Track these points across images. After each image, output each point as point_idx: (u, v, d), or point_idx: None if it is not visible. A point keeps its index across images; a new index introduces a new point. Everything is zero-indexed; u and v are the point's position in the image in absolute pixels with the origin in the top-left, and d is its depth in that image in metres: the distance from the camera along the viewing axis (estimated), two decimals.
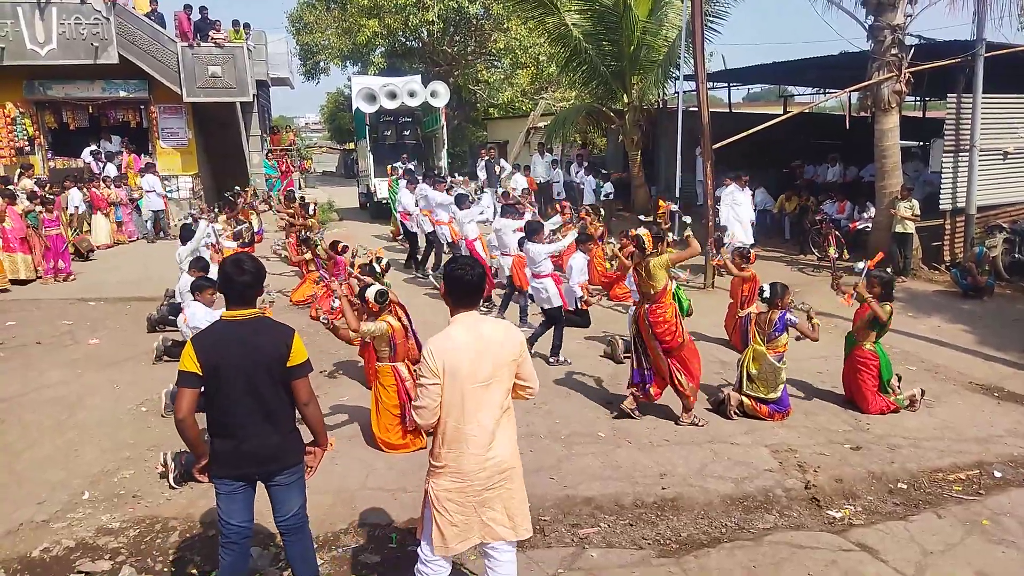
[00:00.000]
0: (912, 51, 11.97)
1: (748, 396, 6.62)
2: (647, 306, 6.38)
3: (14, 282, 12.01)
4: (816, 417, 6.72)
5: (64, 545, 4.71)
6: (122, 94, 18.49)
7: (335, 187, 30.88)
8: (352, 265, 8.89)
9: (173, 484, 5.37)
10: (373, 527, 4.88)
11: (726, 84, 20.39)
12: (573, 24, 16.99)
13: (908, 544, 4.68)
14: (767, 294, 6.84)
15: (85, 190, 15.53)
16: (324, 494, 5.11)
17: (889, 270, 7.85)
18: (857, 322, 6.92)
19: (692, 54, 12.60)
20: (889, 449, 6.04)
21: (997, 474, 5.65)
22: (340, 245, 10.68)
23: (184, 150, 19.32)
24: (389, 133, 20.83)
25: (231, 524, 3.65)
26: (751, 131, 11.84)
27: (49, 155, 18.55)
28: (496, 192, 16.40)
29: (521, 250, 8.99)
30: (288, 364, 3.57)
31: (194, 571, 4.44)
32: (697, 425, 6.44)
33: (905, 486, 5.47)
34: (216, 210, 14.96)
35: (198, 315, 6.55)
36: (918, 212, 11.84)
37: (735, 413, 6.64)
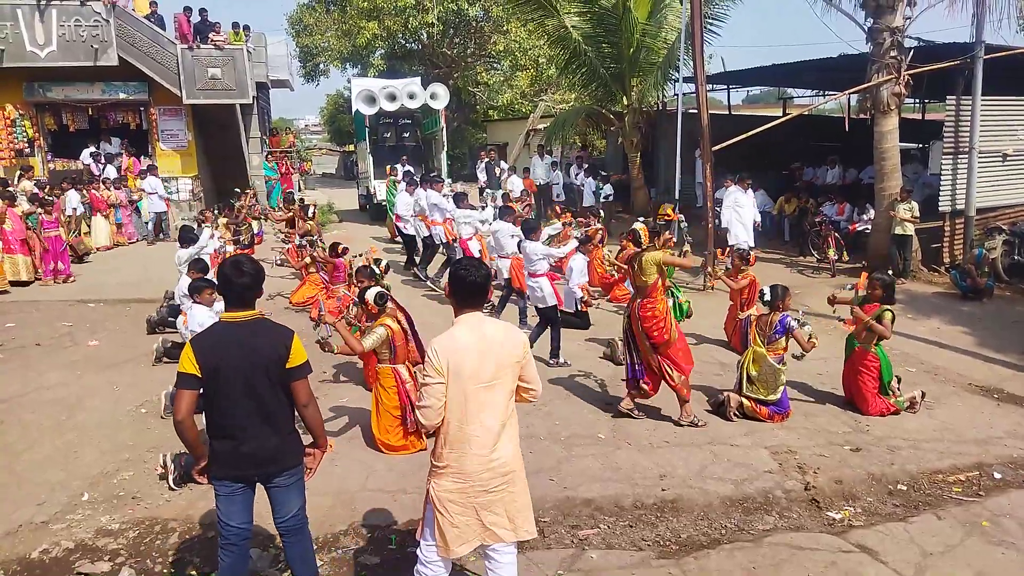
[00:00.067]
0: (911, 53, 11.98)
1: (748, 398, 6.62)
2: (638, 300, 6.43)
3: (14, 283, 12.02)
4: (816, 419, 6.72)
5: (63, 546, 4.71)
6: (122, 96, 18.50)
7: (335, 189, 30.89)
8: (351, 267, 8.90)
9: (172, 485, 5.37)
10: (373, 528, 4.88)
11: (725, 86, 20.41)
12: (572, 26, 17.00)
13: (908, 545, 4.68)
14: (768, 297, 6.85)
15: (84, 192, 15.54)
16: (324, 495, 5.11)
17: (890, 272, 7.88)
18: (858, 324, 6.92)
19: (691, 56, 12.61)
20: (889, 451, 6.04)
21: (997, 475, 5.65)
22: (340, 247, 10.70)
23: (184, 152, 19.33)
24: (389, 135, 20.84)
25: (230, 526, 3.65)
26: (750, 133, 11.85)
27: (49, 157, 18.55)
28: (493, 195, 16.45)
29: (519, 250, 8.99)
30: (287, 365, 3.57)
31: (193, 572, 4.44)
32: (697, 425, 6.45)
33: (905, 487, 5.48)
34: (216, 211, 14.97)
35: (199, 317, 6.55)
36: (917, 214, 11.85)
37: (735, 415, 6.64)
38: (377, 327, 5.99)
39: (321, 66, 31.61)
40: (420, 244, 12.97)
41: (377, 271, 7.67)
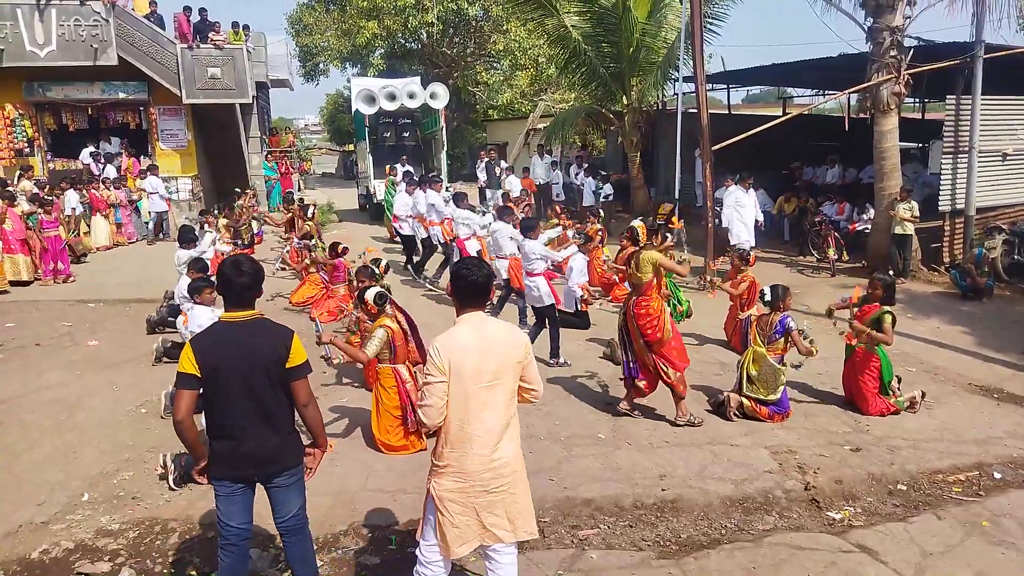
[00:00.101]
0: (911, 53, 11.97)
1: (748, 397, 6.62)
2: (633, 298, 6.46)
3: (15, 283, 12.03)
4: (816, 419, 6.72)
5: (63, 547, 4.71)
6: (121, 96, 18.48)
7: (335, 189, 30.89)
8: (351, 267, 8.90)
9: (172, 486, 5.37)
10: (373, 529, 4.88)
11: (725, 86, 20.40)
12: (572, 26, 17.00)
13: (908, 545, 4.68)
14: (768, 297, 6.84)
15: (84, 192, 15.53)
16: (324, 496, 5.11)
17: (890, 272, 7.87)
18: (859, 337, 6.90)
19: (691, 56, 12.63)
20: (889, 451, 6.04)
21: (997, 475, 5.65)
22: (340, 247, 10.70)
23: (183, 152, 19.32)
24: (388, 135, 20.85)
25: (230, 526, 3.65)
26: (750, 132, 11.86)
27: (48, 157, 18.54)
28: (495, 203, 16.46)
29: (518, 251, 8.99)
30: (287, 365, 3.57)
31: (193, 573, 4.44)
32: (694, 424, 6.44)
33: (905, 487, 5.48)
34: (217, 211, 14.97)
35: (200, 318, 6.53)
36: (917, 213, 11.85)
37: (735, 415, 6.64)
38: (377, 330, 5.99)
39: (321, 66, 31.62)
40: (420, 245, 12.98)
41: (377, 271, 7.66)
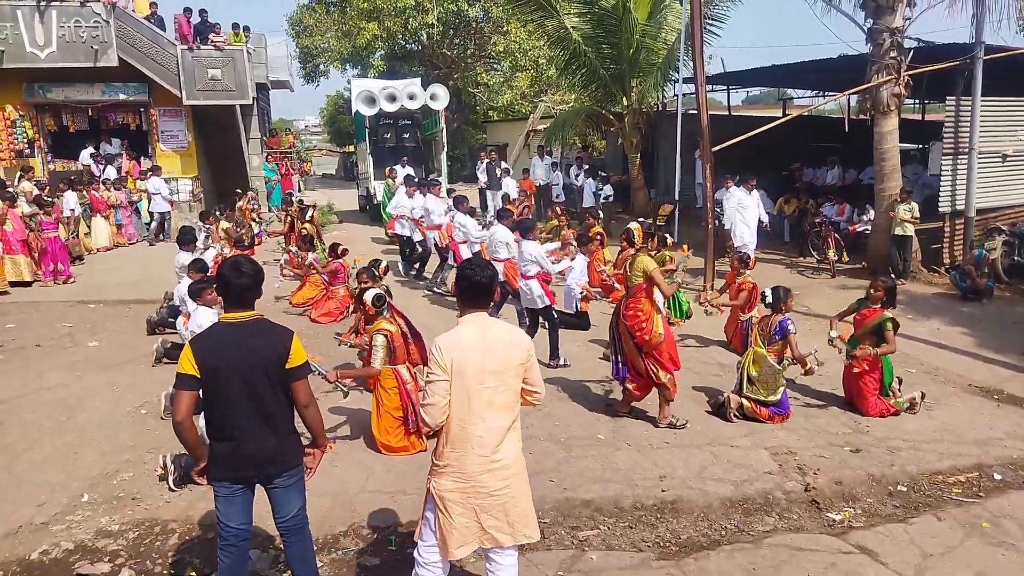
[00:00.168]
0: (911, 54, 11.97)
1: (748, 398, 6.62)
2: (624, 300, 6.49)
3: (16, 284, 12.05)
4: (816, 420, 6.72)
5: (63, 547, 4.71)
6: (122, 97, 18.50)
7: (335, 190, 30.90)
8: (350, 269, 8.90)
9: (172, 487, 5.37)
10: (372, 530, 4.88)
11: (725, 87, 20.42)
12: (572, 27, 17.02)
13: (908, 546, 4.68)
14: (770, 299, 6.84)
15: (84, 192, 15.53)
16: (323, 496, 5.11)
17: (892, 276, 7.86)
18: (860, 328, 6.91)
19: (691, 57, 12.60)
20: (889, 452, 6.04)
21: (997, 476, 5.65)
22: (340, 248, 10.70)
23: (184, 153, 19.33)
24: (389, 136, 20.85)
25: (230, 527, 3.65)
26: (750, 134, 11.84)
27: (49, 158, 18.55)
28: (488, 200, 16.49)
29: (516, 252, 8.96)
30: (287, 366, 3.57)
31: (193, 573, 4.44)
32: (675, 427, 6.43)
33: (905, 488, 5.47)
34: (218, 213, 14.97)
35: (201, 319, 6.51)
36: (917, 215, 11.84)
37: (735, 416, 6.64)
38: (376, 337, 5.99)
39: (321, 67, 31.66)
40: (417, 246, 13.00)
41: (376, 272, 7.67)
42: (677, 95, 17.06)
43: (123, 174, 17.93)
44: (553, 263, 8.65)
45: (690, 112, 15.70)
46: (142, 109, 18.92)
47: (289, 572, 4.05)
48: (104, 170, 17.72)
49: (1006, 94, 12.85)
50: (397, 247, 14.06)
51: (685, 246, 9.71)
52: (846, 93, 12.86)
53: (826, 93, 19.22)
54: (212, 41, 18.10)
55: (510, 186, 17.46)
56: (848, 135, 13.87)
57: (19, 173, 15.99)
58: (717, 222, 12.46)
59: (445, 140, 19.68)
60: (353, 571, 4.46)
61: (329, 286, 10.51)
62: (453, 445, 3.37)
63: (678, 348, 8.48)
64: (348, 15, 28.17)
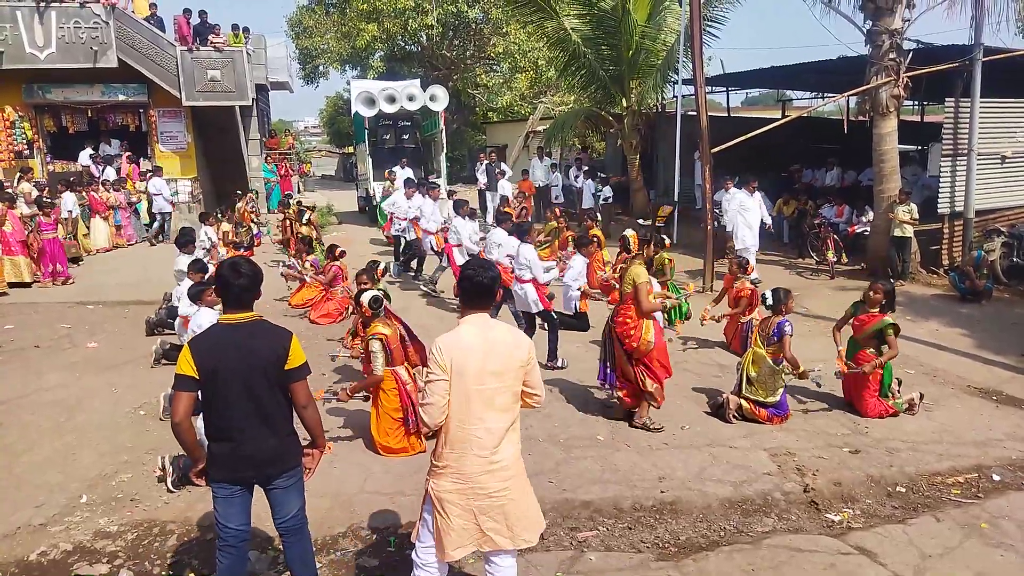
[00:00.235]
0: (910, 55, 11.98)
1: (747, 399, 6.62)
2: (617, 306, 6.50)
3: (15, 285, 12.04)
4: (815, 421, 6.72)
5: (61, 549, 4.70)
6: (121, 98, 18.51)
7: (334, 191, 30.88)
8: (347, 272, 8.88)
9: (171, 488, 5.36)
10: (371, 531, 4.87)
11: (724, 88, 20.44)
12: (572, 28, 17.02)
13: (907, 547, 4.68)
14: (770, 301, 6.84)
15: (83, 193, 15.52)
16: (322, 498, 5.11)
17: (892, 280, 7.83)
18: (860, 333, 6.90)
19: (690, 58, 12.62)
20: (888, 453, 6.04)
21: (996, 477, 5.65)
22: (338, 250, 10.70)
23: (183, 154, 19.34)
24: (388, 137, 20.86)
25: (229, 528, 3.64)
26: (750, 135, 11.86)
27: (48, 159, 18.56)
28: (487, 201, 16.47)
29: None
30: (286, 367, 3.57)
31: (192, 575, 4.43)
32: (648, 428, 6.41)
33: (904, 489, 5.47)
34: (219, 215, 14.96)
35: (204, 320, 6.48)
36: (916, 216, 11.85)
37: (734, 417, 6.63)
38: (372, 344, 5.99)
39: (321, 68, 31.66)
40: (412, 246, 13.02)
41: (375, 274, 7.66)
42: (676, 96, 17.07)
43: (123, 175, 17.92)
44: (547, 270, 8.63)
45: (689, 113, 15.70)
46: (141, 110, 18.93)
47: (288, 573, 4.04)
48: (103, 171, 17.73)
49: (1005, 95, 12.86)
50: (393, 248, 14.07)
51: (691, 286, 9.58)
52: (845, 94, 12.88)
53: (825, 94, 19.24)
54: (212, 42, 18.11)
55: (506, 188, 17.47)
56: (847, 136, 13.87)
57: (18, 174, 16.00)
58: (716, 223, 12.47)
59: (444, 141, 19.71)
60: (352, 572, 4.46)
61: (328, 287, 10.50)
62: (452, 446, 3.36)
63: (679, 348, 8.54)
64: (348, 16, 28.18)
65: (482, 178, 19.55)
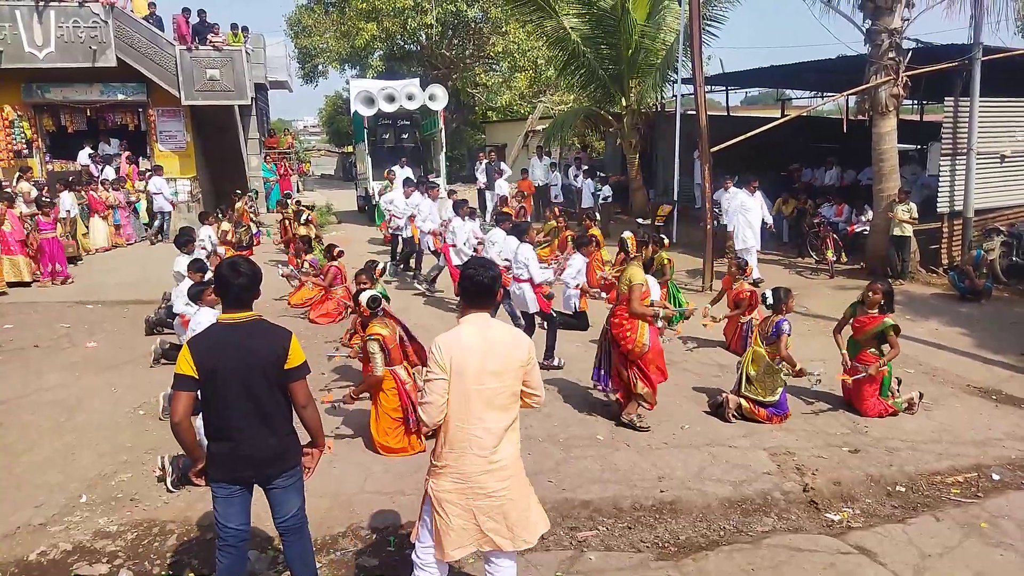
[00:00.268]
0: (909, 55, 11.98)
1: (746, 398, 6.62)
2: (614, 307, 6.52)
3: (15, 284, 12.04)
4: (814, 420, 6.72)
5: (61, 548, 4.70)
6: (120, 97, 18.49)
7: (334, 190, 30.87)
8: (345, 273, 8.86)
9: (170, 487, 5.36)
10: (371, 530, 4.88)
11: (724, 87, 20.42)
12: (571, 28, 17.01)
13: (906, 547, 4.68)
14: (771, 300, 6.84)
15: (82, 193, 15.50)
16: (321, 497, 5.11)
17: (890, 280, 7.82)
18: (861, 335, 6.90)
19: (690, 57, 12.62)
20: (887, 452, 6.04)
21: (995, 477, 5.65)
22: (336, 250, 10.69)
23: (182, 153, 19.32)
24: (387, 136, 20.86)
25: (228, 527, 3.64)
26: (749, 134, 11.86)
27: (47, 158, 18.54)
28: (487, 201, 16.45)
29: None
30: (285, 367, 3.56)
31: (191, 574, 4.43)
32: (634, 428, 6.41)
33: (903, 489, 5.48)
34: (220, 215, 14.94)
35: (204, 320, 6.47)
36: (916, 215, 11.85)
37: (733, 416, 6.64)
38: (370, 344, 6.00)
39: (320, 67, 31.61)
40: (406, 243, 13.03)
41: (374, 274, 7.66)
42: (676, 96, 17.08)
43: (122, 175, 17.91)
44: (543, 269, 8.62)
45: (689, 113, 15.69)
46: (140, 109, 18.91)
47: (288, 572, 4.04)
48: (103, 170, 17.71)
49: (1004, 95, 12.87)
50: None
51: (691, 304, 9.48)
52: (845, 94, 12.88)
53: (825, 94, 19.24)
54: (211, 41, 18.09)
55: (503, 188, 17.46)
56: (847, 136, 13.89)
57: (17, 173, 15.98)
58: (716, 223, 12.46)
59: (444, 140, 19.69)
60: (352, 572, 4.46)
61: (328, 287, 10.50)
62: (451, 446, 3.36)
63: (681, 349, 8.53)
64: (347, 15, 28.13)
65: (481, 177, 19.55)
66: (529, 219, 14.83)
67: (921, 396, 6.97)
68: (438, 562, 3.50)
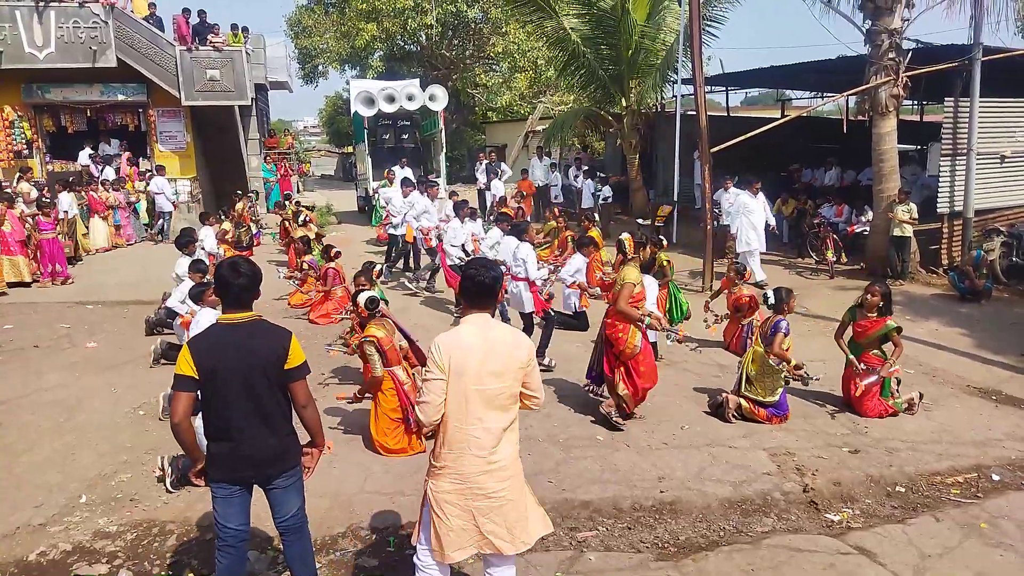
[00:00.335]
0: (909, 55, 11.98)
1: (747, 398, 6.62)
2: (609, 307, 6.51)
3: (15, 285, 12.03)
4: (814, 420, 6.72)
5: (61, 549, 4.70)
6: (120, 97, 18.50)
7: (334, 191, 30.87)
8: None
9: (170, 488, 5.36)
10: (371, 531, 4.87)
11: (724, 88, 20.44)
12: (571, 28, 17.02)
13: (906, 547, 4.68)
14: (772, 300, 6.84)
15: (82, 193, 15.50)
16: (321, 498, 5.11)
17: (889, 279, 7.82)
18: (864, 339, 6.89)
19: (690, 58, 12.62)
20: (887, 452, 6.04)
21: (995, 477, 5.65)
22: (333, 251, 10.69)
23: (182, 154, 19.33)
24: (388, 137, 20.85)
25: (228, 528, 3.64)
26: (749, 135, 11.86)
27: (47, 158, 18.54)
28: (487, 201, 16.42)
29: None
30: (286, 367, 3.57)
31: (191, 575, 4.43)
32: (608, 423, 6.42)
33: (903, 489, 5.48)
34: (221, 216, 14.94)
35: (206, 322, 6.47)
36: (916, 215, 11.85)
37: (733, 416, 6.64)
38: (367, 347, 6.00)
39: (320, 68, 31.63)
40: (401, 242, 13.04)
41: (372, 276, 7.66)
42: (676, 96, 17.09)
43: (122, 176, 17.91)
44: (540, 267, 8.63)
45: (689, 113, 15.70)
46: (141, 110, 18.91)
47: (288, 572, 4.04)
48: (103, 171, 17.71)
49: (1004, 95, 12.86)
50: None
51: (683, 329, 9.45)
52: (845, 94, 12.88)
53: (825, 94, 19.25)
54: (211, 42, 18.10)
55: (499, 188, 17.47)
56: (847, 136, 13.89)
57: (17, 174, 15.98)
58: (716, 223, 12.46)
59: (444, 141, 19.69)
60: (351, 572, 4.46)
61: (327, 290, 10.49)
62: (450, 446, 3.35)
63: (680, 348, 8.53)
64: (347, 16, 28.14)
65: (482, 178, 19.55)
66: (528, 219, 14.83)
67: (921, 396, 6.97)
68: (439, 564, 3.49)
